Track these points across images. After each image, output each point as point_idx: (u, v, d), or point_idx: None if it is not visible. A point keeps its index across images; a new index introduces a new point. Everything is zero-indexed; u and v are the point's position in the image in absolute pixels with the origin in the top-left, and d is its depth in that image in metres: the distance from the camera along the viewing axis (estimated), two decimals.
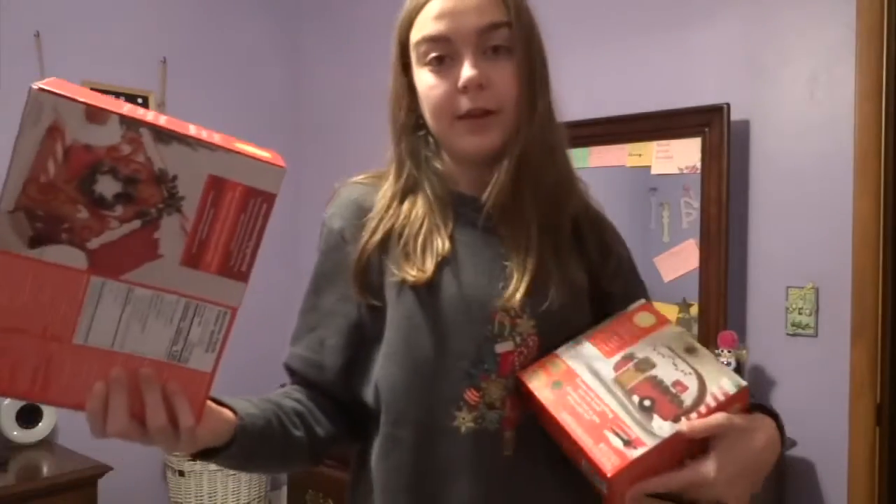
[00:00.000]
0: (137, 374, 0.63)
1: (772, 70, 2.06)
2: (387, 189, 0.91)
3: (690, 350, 0.82)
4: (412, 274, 0.83)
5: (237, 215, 0.60)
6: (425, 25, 0.83)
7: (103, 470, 2.29)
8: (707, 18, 2.17)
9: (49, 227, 0.55)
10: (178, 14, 2.96)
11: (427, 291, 0.83)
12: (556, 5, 2.52)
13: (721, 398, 0.78)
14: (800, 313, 2.00)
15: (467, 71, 0.81)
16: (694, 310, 2.12)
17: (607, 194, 2.37)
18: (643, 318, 0.87)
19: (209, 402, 0.70)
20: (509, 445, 0.83)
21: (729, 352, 1.96)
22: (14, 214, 0.54)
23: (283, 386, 0.96)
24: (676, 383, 0.79)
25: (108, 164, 0.55)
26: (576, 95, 2.49)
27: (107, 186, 0.55)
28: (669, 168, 2.19)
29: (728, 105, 2.05)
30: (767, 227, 2.07)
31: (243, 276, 0.61)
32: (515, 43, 0.83)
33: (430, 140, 0.91)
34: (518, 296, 0.83)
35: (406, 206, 0.89)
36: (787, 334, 2.02)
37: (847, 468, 1.91)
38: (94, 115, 0.54)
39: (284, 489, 3.02)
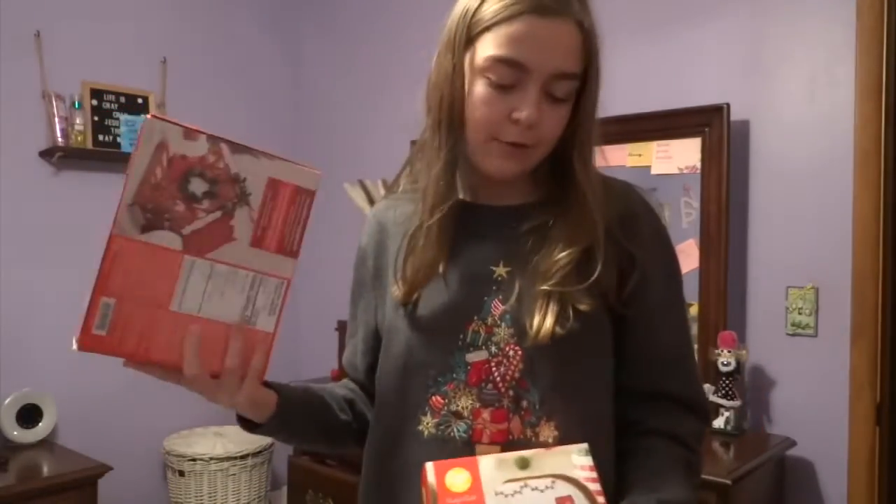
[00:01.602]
0: (221, 330, 0.77)
1: (772, 70, 2.06)
2: (406, 203, 0.95)
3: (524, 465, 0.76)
4: (395, 293, 0.90)
5: (289, 207, 0.79)
6: (508, 43, 0.79)
7: (103, 470, 2.29)
8: (707, 18, 2.17)
9: (155, 217, 0.74)
10: (178, 14, 2.96)
11: (410, 305, 0.89)
12: None
13: (587, 470, 0.75)
14: (800, 313, 2.00)
15: (528, 108, 0.80)
16: (694, 310, 2.12)
17: None
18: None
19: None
20: None
21: (729, 352, 1.96)
22: (132, 207, 0.75)
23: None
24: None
25: (198, 170, 0.74)
26: None
27: (197, 186, 0.74)
28: (669, 168, 2.19)
29: (728, 105, 2.05)
30: (767, 227, 2.07)
31: (294, 254, 0.79)
32: (577, 94, 0.84)
33: (453, 142, 0.87)
34: (494, 304, 0.85)
35: (414, 218, 0.91)
36: (787, 334, 2.02)
37: (847, 468, 1.91)
38: (189, 134, 0.73)
39: (284, 489, 3.02)
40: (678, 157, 2.17)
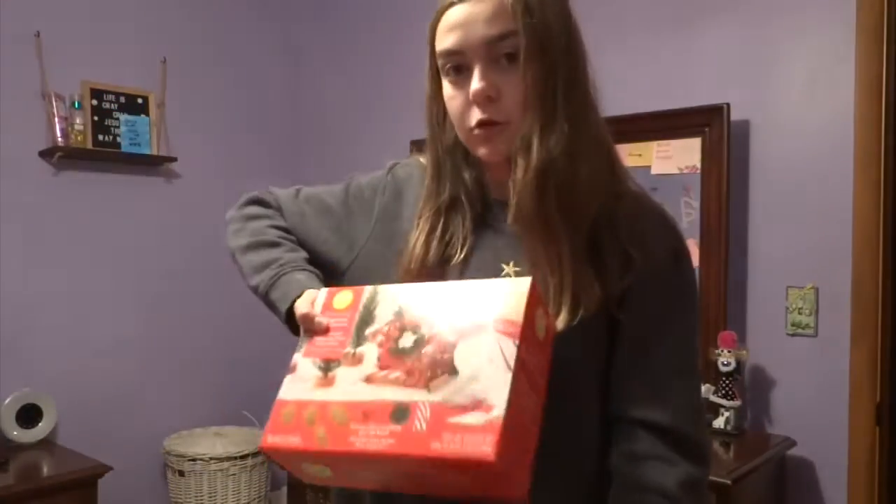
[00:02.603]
0: None
1: (772, 70, 2.06)
2: (426, 197, 0.93)
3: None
4: (402, 272, 0.89)
5: None
6: (442, 38, 0.84)
7: (103, 470, 2.29)
8: (707, 19, 2.17)
9: None
10: (178, 14, 2.96)
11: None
12: None
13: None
14: (800, 313, 2.00)
15: (475, 83, 0.81)
16: None
17: None
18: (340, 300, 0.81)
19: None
20: None
21: (729, 352, 1.96)
22: None
23: None
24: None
25: None
26: None
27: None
28: (669, 168, 2.19)
29: (728, 105, 2.05)
30: (767, 227, 2.07)
31: None
32: (523, 51, 0.80)
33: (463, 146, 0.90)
34: None
35: (440, 224, 0.91)
36: (787, 334, 2.02)
37: (847, 468, 1.91)
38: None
39: (284, 489, 3.02)
40: (678, 157, 2.17)
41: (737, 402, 1.96)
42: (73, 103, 2.61)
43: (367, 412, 0.70)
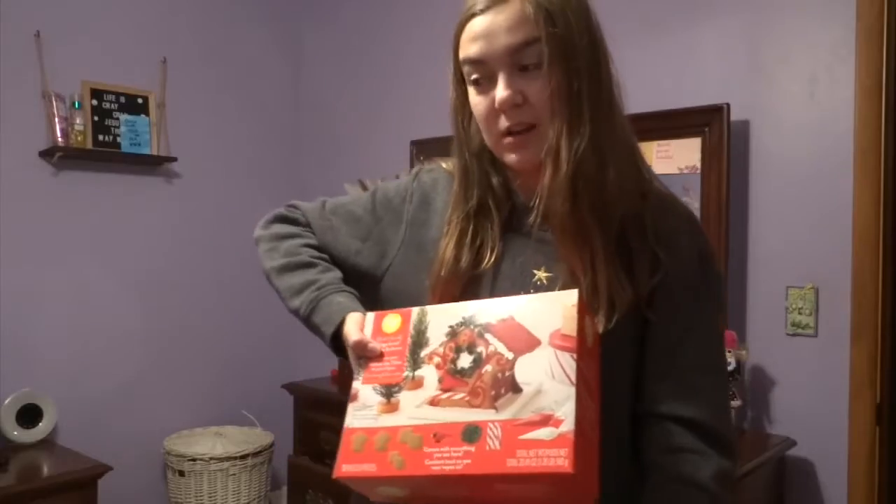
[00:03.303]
0: None
1: (772, 70, 2.06)
2: (455, 203, 0.94)
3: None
4: (435, 277, 0.90)
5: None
6: (465, 47, 0.86)
7: (103, 470, 2.29)
8: (707, 18, 2.17)
9: None
10: (178, 14, 2.96)
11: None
12: None
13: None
14: (800, 313, 2.00)
15: (500, 92, 0.83)
16: None
17: None
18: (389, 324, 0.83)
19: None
20: None
21: (729, 352, 1.96)
22: None
23: None
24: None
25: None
26: None
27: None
28: (669, 168, 2.19)
29: (728, 105, 2.05)
30: (767, 227, 2.07)
31: None
32: (547, 58, 0.82)
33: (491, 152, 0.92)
34: None
35: (470, 230, 0.92)
36: (787, 334, 2.02)
37: (847, 468, 1.91)
38: None
39: (284, 489, 3.02)
40: (678, 157, 2.17)
41: (737, 402, 1.95)
42: (73, 103, 2.61)
43: (438, 434, 0.73)
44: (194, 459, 2.67)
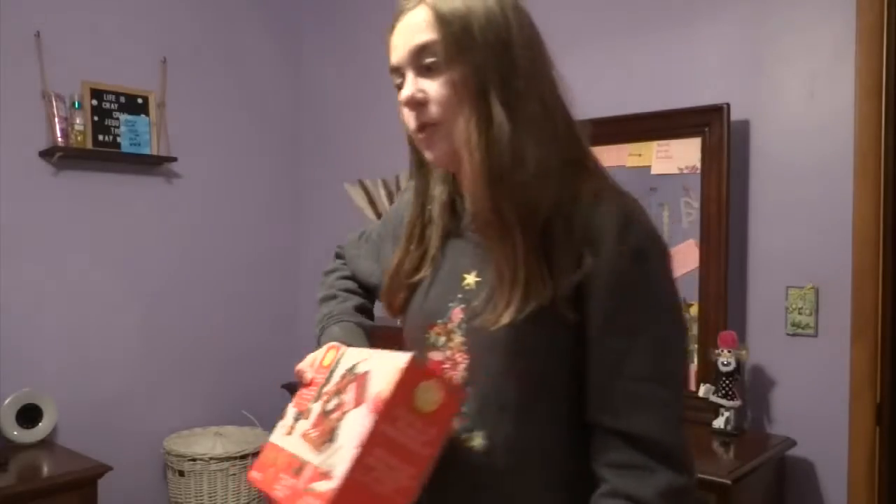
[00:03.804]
0: None
1: (772, 70, 2.06)
2: (409, 214, 1.00)
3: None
4: (386, 307, 1.00)
5: None
6: (389, 56, 0.91)
7: (103, 470, 2.29)
8: (707, 18, 2.17)
9: None
10: (178, 14, 2.96)
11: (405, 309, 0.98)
12: (556, 6, 2.52)
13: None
14: (800, 313, 2.00)
15: (404, 91, 0.88)
16: (694, 310, 2.12)
17: None
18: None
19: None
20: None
21: (729, 352, 1.96)
22: None
23: None
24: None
25: None
26: (576, 95, 2.48)
27: None
28: (669, 168, 2.19)
29: (728, 105, 2.04)
30: (767, 227, 2.07)
31: None
32: (444, 57, 0.85)
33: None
34: (455, 311, 0.89)
35: (415, 240, 0.98)
36: (787, 334, 2.02)
37: (847, 468, 1.91)
38: None
39: None
40: (678, 157, 2.17)
41: (737, 402, 1.95)
42: (73, 103, 2.61)
43: (289, 464, 0.82)
44: (194, 459, 2.67)
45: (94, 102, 2.68)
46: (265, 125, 3.27)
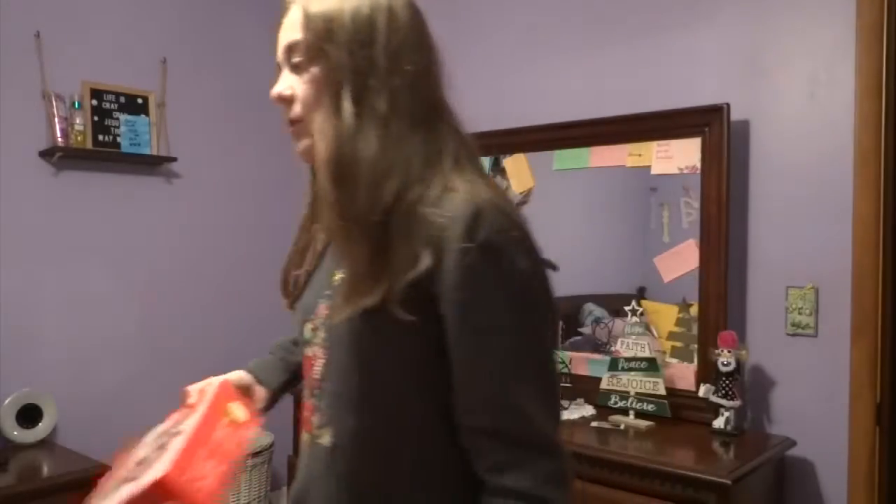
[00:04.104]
0: None
1: (772, 70, 2.06)
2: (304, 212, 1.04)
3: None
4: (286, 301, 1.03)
5: None
6: None
7: (103, 470, 2.27)
8: (707, 19, 2.17)
9: None
10: (178, 14, 2.96)
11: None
12: (557, 6, 2.52)
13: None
14: (800, 313, 2.00)
15: (274, 88, 0.94)
16: (694, 310, 2.12)
17: (607, 194, 2.38)
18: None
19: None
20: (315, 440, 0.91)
21: (729, 352, 1.96)
22: None
23: None
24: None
25: None
26: (576, 95, 2.49)
27: None
28: (669, 168, 2.19)
29: (728, 105, 2.04)
30: (767, 227, 2.07)
31: None
32: (306, 57, 0.90)
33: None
34: (321, 307, 0.92)
35: (302, 240, 1.03)
36: (787, 334, 2.02)
37: (847, 468, 1.91)
38: None
39: (284, 489, 3.03)
40: (678, 157, 2.17)
41: (737, 402, 1.95)
42: (73, 103, 2.61)
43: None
44: None
45: (94, 102, 2.68)
46: (265, 125, 3.27)
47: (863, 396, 1.88)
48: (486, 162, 2.63)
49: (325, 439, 0.88)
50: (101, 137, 2.69)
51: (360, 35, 0.87)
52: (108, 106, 2.72)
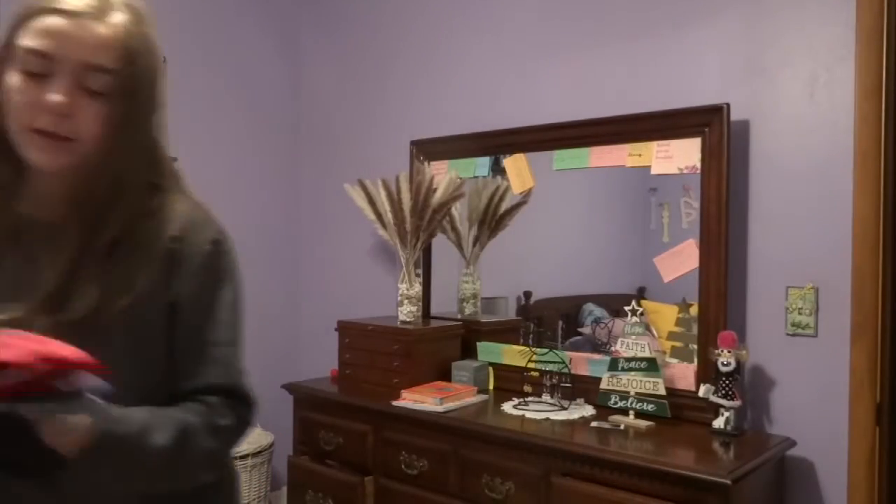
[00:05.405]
0: None
1: (772, 70, 2.06)
2: None
3: None
4: None
5: None
6: (34, 36, 0.88)
7: None
8: (707, 18, 2.17)
9: None
10: (178, 14, 2.96)
11: None
12: (557, 6, 2.52)
13: None
14: (800, 313, 2.00)
15: (56, 96, 0.87)
16: (694, 310, 2.12)
17: (607, 194, 2.39)
18: None
19: None
20: None
21: (729, 352, 1.96)
22: None
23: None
24: None
25: None
26: (576, 95, 2.49)
27: None
28: (669, 168, 2.19)
29: (728, 105, 2.04)
30: (767, 227, 2.07)
31: None
32: (115, 90, 0.90)
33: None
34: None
35: None
36: (787, 334, 2.02)
37: (847, 468, 1.91)
38: None
39: (284, 489, 3.02)
40: (678, 157, 2.17)
41: (737, 403, 1.95)
42: None
43: None
44: None
45: None
46: (265, 125, 3.27)
47: (863, 396, 1.88)
48: (486, 162, 2.64)
49: None
50: None
51: (146, 78, 0.96)
52: None
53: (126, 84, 0.91)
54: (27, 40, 0.88)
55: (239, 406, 0.98)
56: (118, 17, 0.91)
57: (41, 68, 0.87)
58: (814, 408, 1.97)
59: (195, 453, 0.92)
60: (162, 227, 0.97)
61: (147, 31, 0.95)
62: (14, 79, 0.89)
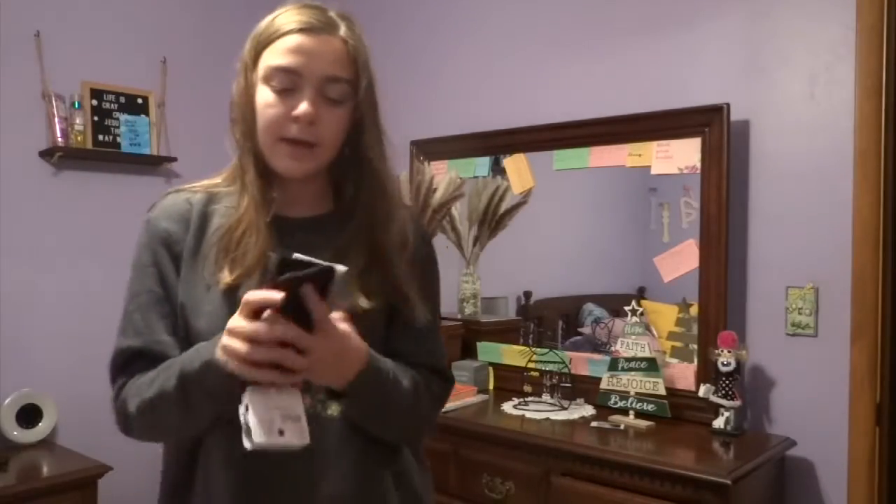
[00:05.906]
0: None
1: (772, 70, 2.06)
2: (227, 199, 1.04)
3: None
4: (224, 278, 0.97)
5: None
6: (280, 56, 0.97)
7: (103, 470, 2.29)
8: (707, 18, 2.17)
9: None
10: (178, 14, 2.96)
11: (233, 290, 0.96)
12: (557, 5, 2.52)
13: None
14: (800, 313, 2.00)
15: (304, 106, 0.95)
16: (694, 310, 2.12)
17: (607, 194, 2.39)
18: None
19: None
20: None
21: (729, 352, 1.96)
22: None
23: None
24: None
25: None
26: (576, 95, 2.49)
27: None
28: (669, 168, 2.19)
29: (728, 105, 2.04)
30: (767, 227, 2.07)
31: None
32: (351, 98, 0.99)
33: (252, 146, 1.02)
34: None
35: (235, 217, 1.01)
36: (787, 334, 2.02)
37: (847, 468, 1.91)
38: None
39: None
40: (678, 157, 2.17)
41: (737, 403, 1.95)
42: (73, 103, 2.61)
43: None
44: None
45: (94, 102, 2.68)
46: None
47: (863, 396, 1.88)
48: (486, 162, 2.64)
49: (333, 409, 0.97)
50: (101, 137, 2.69)
51: (371, 81, 1.05)
52: (107, 106, 2.72)
53: (358, 90, 0.99)
54: (276, 59, 0.98)
55: (442, 381, 1.11)
56: (343, 30, 1.01)
57: (289, 83, 0.96)
58: (814, 408, 1.97)
59: (423, 406, 1.03)
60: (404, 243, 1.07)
61: (362, 37, 1.05)
62: (264, 93, 0.98)
